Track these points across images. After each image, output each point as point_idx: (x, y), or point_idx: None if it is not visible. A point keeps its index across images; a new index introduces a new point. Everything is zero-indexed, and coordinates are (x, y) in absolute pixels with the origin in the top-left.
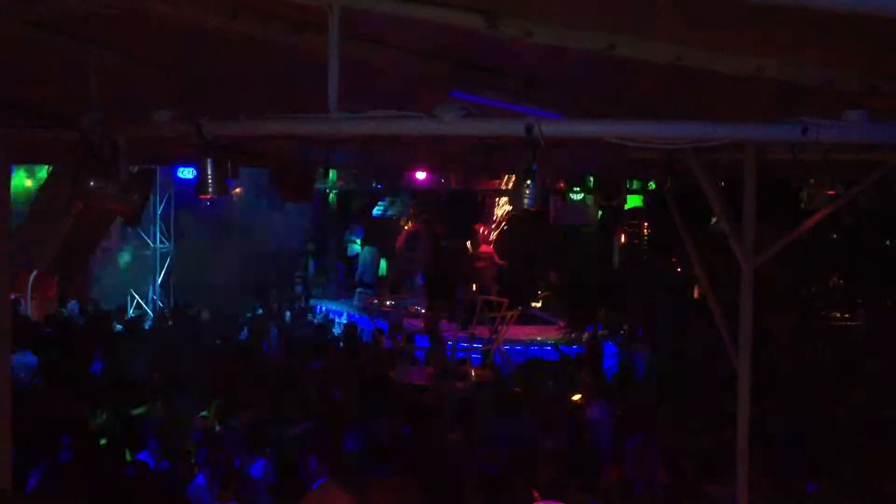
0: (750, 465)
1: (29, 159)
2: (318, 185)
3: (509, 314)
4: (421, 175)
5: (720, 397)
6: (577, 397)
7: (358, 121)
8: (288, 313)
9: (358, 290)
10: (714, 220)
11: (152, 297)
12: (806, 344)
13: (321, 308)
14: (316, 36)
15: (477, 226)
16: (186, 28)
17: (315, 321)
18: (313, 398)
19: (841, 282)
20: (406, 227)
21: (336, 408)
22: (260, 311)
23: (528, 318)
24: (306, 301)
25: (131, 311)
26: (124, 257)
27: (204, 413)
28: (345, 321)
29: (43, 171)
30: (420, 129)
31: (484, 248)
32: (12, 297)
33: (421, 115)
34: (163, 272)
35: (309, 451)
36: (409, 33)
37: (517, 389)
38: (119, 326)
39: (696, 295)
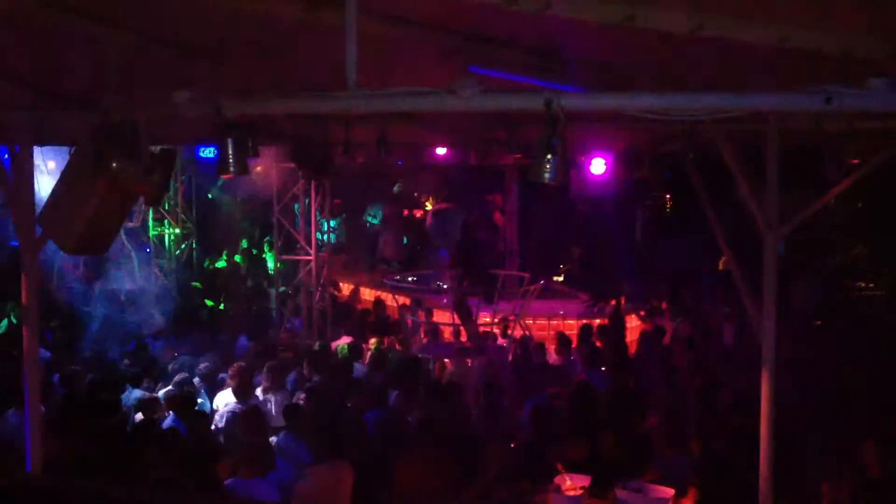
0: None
1: (51, 141)
2: None
3: (531, 289)
4: (441, 151)
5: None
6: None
7: (376, 98)
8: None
9: (380, 266)
10: (737, 191)
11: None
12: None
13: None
14: (332, 12)
15: (491, 196)
16: (203, 6)
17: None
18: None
19: (865, 251)
20: (430, 206)
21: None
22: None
23: (551, 293)
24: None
25: None
26: None
27: None
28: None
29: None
30: (438, 106)
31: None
32: None
33: (439, 91)
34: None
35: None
36: (426, 8)
37: (537, 362)
38: None
39: (720, 266)
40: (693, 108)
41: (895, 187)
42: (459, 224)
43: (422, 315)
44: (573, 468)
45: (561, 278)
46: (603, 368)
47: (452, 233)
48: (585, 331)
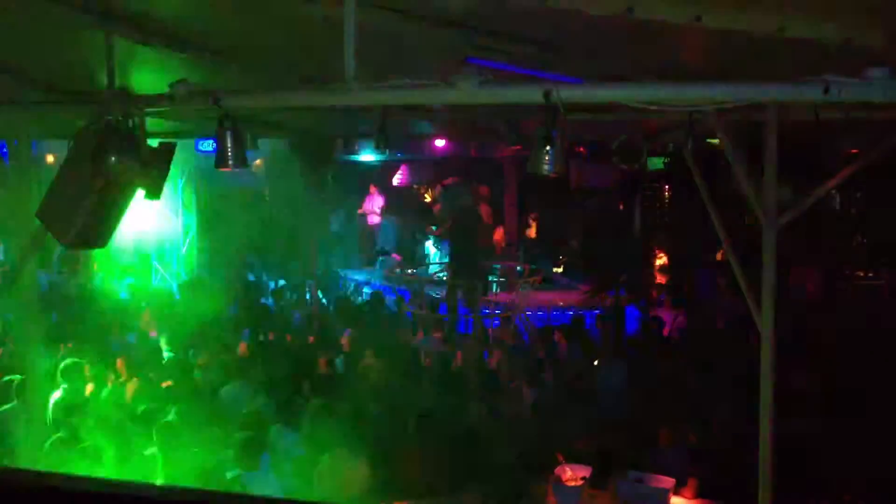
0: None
1: (50, 135)
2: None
3: (531, 280)
4: (440, 143)
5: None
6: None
7: (375, 90)
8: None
9: (379, 258)
10: (735, 181)
11: (175, 270)
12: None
13: (346, 277)
14: (332, 4)
15: (481, 188)
16: None
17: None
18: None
19: (864, 241)
20: (429, 198)
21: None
22: (283, 282)
23: (550, 284)
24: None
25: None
26: None
27: None
28: (369, 290)
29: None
30: (437, 98)
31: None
32: None
33: (438, 84)
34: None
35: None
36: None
37: (540, 355)
38: None
39: (719, 257)
40: (692, 98)
41: (894, 177)
42: (470, 198)
43: (423, 306)
44: (574, 458)
45: (560, 270)
46: (603, 359)
47: (463, 202)
48: (578, 322)
